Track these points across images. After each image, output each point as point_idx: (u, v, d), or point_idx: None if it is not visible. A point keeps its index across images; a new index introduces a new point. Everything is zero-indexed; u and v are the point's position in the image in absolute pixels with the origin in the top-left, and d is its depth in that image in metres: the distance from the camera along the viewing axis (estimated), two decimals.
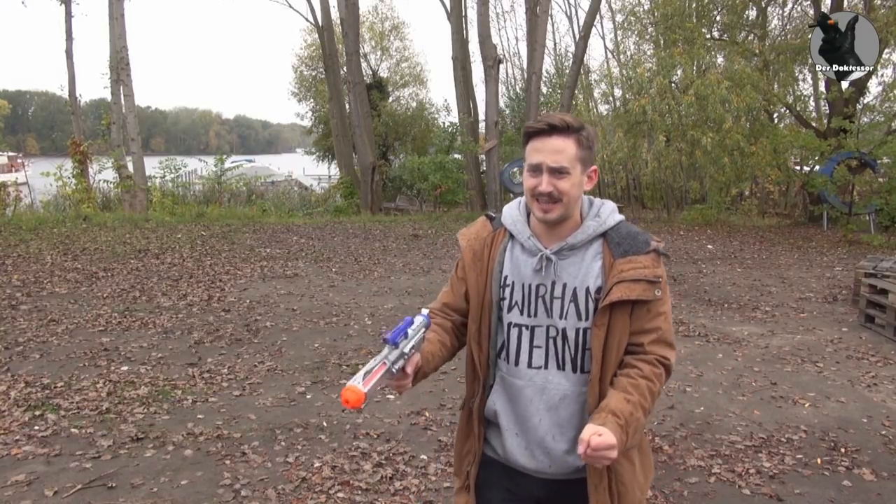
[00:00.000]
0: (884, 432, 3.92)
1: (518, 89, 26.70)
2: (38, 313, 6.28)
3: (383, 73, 28.71)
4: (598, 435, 1.36)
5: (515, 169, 16.07)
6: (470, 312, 1.66)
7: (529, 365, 1.60)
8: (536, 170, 1.53)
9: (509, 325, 1.61)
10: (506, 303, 1.62)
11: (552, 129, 1.52)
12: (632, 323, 1.53)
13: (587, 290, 1.56)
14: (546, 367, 1.58)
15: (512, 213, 1.68)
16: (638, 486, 1.61)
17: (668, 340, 1.57)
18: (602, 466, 1.49)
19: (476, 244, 1.69)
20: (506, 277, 1.62)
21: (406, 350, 1.41)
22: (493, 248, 1.66)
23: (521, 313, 1.60)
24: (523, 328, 1.60)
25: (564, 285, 1.57)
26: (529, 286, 1.59)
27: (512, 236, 1.65)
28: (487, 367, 1.65)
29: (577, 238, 1.57)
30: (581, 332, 1.55)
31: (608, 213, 1.62)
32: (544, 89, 21.96)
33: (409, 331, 1.44)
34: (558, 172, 1.51)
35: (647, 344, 1.55)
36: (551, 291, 1.57)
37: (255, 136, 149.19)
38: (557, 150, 1.51)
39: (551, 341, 1.58)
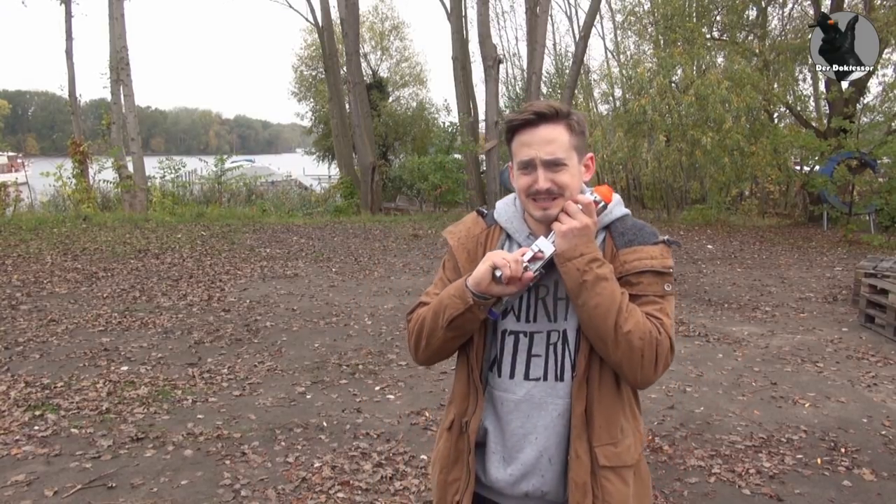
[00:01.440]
0: (884, 432, 3.92)
1: (518, 89, 26.70)
2: (38, 313, 6.28)
3: (383, 73, 28.74)
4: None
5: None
6: None
7: (527, 377, 1.44)
8: (529, 166, 1.39)
9: (503, 332, 1.46)
10: (500, 307, 1.45)
11: (539, 118, 1.37)
12: None
13: None
14: (545, 378, 1.43)
15: (507, 209, 1.54)
16: None
17: (668, 332, 1.37)
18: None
19: (469, 243, 1.53)
20: None
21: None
22: (486, 246, 1.51)
23: (519, 319, 1.45)
24: (521, 335, 1.45)
25: None
26: (529, 289, 1.43)
27: (508, 235, 1.51)
28: (481, 381, 1.48)
29: None
30: (582, 333, 1.41)
31: (614, 203, 1.47)
32: (544, 89, 21.97)
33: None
34: (554, 165, 1.37)
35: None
36: (554, 293, 1.43)
37: (255, 136, 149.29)
38: (549, 140, 1.37)
39: (551, 348, 1.43)
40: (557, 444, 1.43)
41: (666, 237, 1.44)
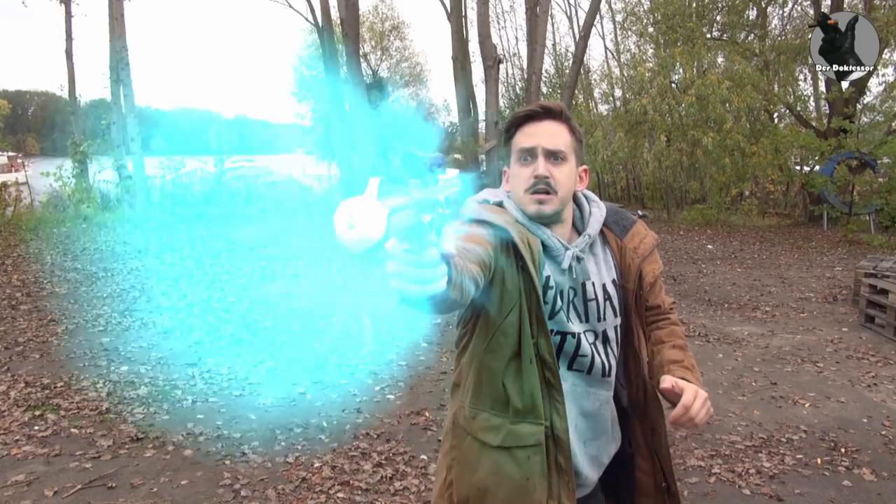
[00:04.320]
0: (884, 432, 3.92)
1: (518, 89, 26.69)
2: (38, 313, 6.28)
3: (383, 73, 28.71)
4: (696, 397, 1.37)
5: None
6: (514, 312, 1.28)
7: (605, 374, 1.47)
8: (530, 154, 1.35)
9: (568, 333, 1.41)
10: (548, 307, 1.36)
11: (546, 113, 1.37)
12: (641, 289, 1.48)
13: (613, 282, 1.44)
14: (606, 373, 1.47)
15: (514, 209, 1.41)
16: None
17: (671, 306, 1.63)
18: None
19: (514, 229, 1.30)
20: (548, 277, 1.35)
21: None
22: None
23: (570, 320, 1.39)
24: (583, 335, 1.43)
25: (593, 284, 1.40)
26: (562, 291, 1.37)
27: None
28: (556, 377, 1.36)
29: (594, 227, 1.42)
30: (618, 330, 1.45)
31: (593, 200, 1.50)
32: (544, 89, 21.97)
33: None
34: (555, 157, 1.34)
35: (664, 305, 1.58)
36: (582, 294, 1.39)
37: (255, 136, 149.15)
38: (553, 133, 1.36)
39: (595, 346, 1.44)
40: (607, 447, 1.50)
41: (638, 212, 1.48)
